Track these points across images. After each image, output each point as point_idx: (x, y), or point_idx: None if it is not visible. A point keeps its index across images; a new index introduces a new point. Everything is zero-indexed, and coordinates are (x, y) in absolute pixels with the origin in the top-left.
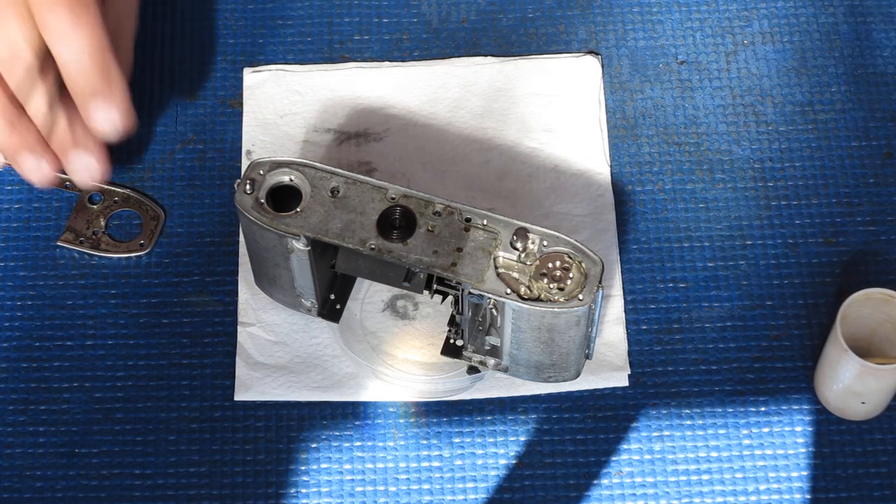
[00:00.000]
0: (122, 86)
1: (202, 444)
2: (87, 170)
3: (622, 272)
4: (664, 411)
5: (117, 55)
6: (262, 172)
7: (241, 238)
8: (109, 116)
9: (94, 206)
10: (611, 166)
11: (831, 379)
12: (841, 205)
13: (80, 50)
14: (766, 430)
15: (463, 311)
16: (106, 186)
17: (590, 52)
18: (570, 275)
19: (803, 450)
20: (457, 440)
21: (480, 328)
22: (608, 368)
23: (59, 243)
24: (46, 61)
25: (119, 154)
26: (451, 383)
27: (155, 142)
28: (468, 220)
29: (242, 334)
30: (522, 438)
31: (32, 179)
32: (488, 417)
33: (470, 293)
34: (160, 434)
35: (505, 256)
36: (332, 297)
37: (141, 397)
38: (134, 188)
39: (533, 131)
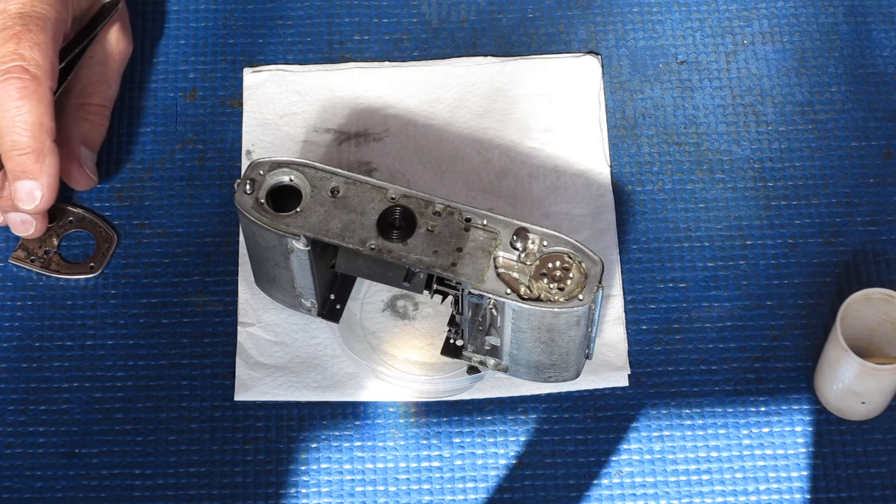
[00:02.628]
0: (53, 169)
1: (202, 444)
2: (24, 223)
3: (622, 272)
4: (664, 411)
5: (78, 126)
6: (262, 172)
7: (241, 238)
8: (31, 196)
9: (49, 225)
10: (611, 166)
11: (831, 379)
12: (841, 205)
13: (21, 125)
14: (766, 430)
15: (463, 311)
16: (61, 206)
17: (590, 52)
18: (570, 275)
19: (803, 450)
20: (457, 440)
21: (480, 328)
22: (608, 368)
23: (10, 261)
24: None
25: (115, 156)
26: (451, 383)
27: (155, 142)
28: (468, 220)
29: (242, 334)
30: (522, 438)
31: None
32: (488, 417)
33: (470, 293)
34: (160, 434)
35: (505, 256)
36: (332, 297)
37: (141, 397)
38: (89, 209)
39: (533, 131)
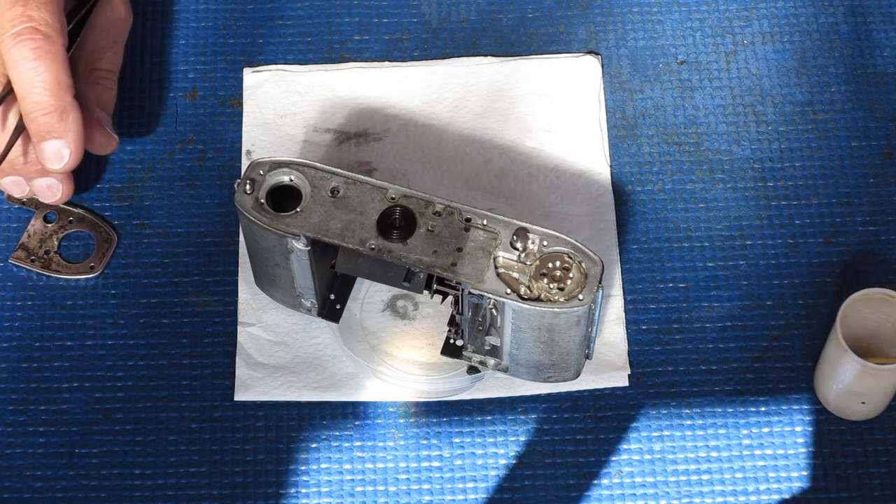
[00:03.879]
0: (77, 125)
1: (202, 444)
2: (50, 188)
3: (622, 272)
4: (664, 411)
5: (90, 90)
6: (262, 172)
7: (241, 238)
8: (59, 155)
9: (49, 225)
10: (611, 166)
11: (831, 379)
12: (841, 205)
13: (40, 84)
14: (766, 430)
15: (463, 311)
16: (62, 205)
17: (590, 52)
18: (570, 275)
19: (803, 450)
20: (457, 440)
21: (480, 328)
22: (608, 368)
23: (10, 261)
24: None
25: (115, 156)
26: (451, 383)
27: (155, 142)
28: (468, 220)
29: (242, 334)
30: (522, 438)
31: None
32: (488, 417)
33: (470, 293)
34: (160, 434)
35: (505, 256)
36: (332, 297)
37: (141, 397)
38: (90, 209)
39: (533, 131)
